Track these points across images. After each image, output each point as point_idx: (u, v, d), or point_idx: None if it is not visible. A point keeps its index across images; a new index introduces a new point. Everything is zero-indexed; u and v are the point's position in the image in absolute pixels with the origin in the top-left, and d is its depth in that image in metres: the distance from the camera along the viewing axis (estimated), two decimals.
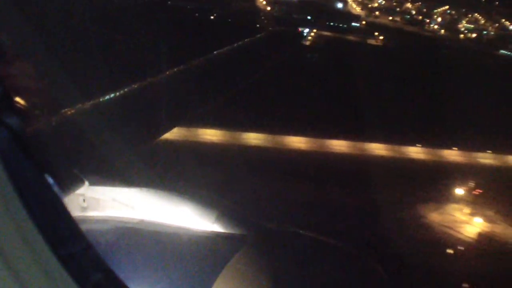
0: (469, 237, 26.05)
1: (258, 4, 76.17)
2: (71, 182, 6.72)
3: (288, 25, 64.88)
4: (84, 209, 7.05)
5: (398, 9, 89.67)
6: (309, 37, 63.32)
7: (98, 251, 2.85)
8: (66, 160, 7.32)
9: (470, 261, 23.86)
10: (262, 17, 69.34)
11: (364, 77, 46.49)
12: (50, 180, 3.16)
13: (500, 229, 27.00)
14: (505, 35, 79.44)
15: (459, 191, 30.24)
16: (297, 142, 35.31)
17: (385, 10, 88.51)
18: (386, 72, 53.74)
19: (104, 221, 6.94)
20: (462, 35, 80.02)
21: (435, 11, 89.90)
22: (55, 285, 2.42)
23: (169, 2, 66.61)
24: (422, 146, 38.39)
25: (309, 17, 71.95)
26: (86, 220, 6.85)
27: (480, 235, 26.39)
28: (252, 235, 6.63)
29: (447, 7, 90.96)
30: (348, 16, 77.91)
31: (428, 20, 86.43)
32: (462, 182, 31.33)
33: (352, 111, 40.30)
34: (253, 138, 33.61)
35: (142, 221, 6.87)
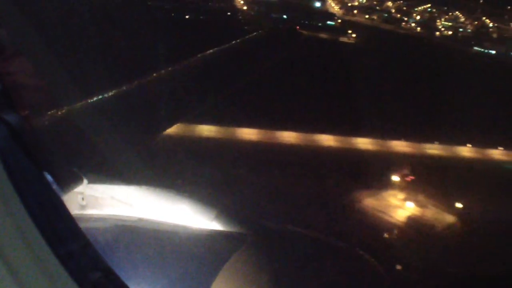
0: (399, 220, 27.56)
1: (236, 3, 77.30)
2: (70, 180, 6.70)
3: (267, 24, 65.75)
4: (83, 207, 7.03)
5: (378, 7, 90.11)
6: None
7: (97, 249, 2.85)
8: (65, 158, 7.31)
9: (400, 243, 24.30)
10: (240, 17, 70.34)
11: (330, 71, 47.87)
12: (49, 178, 3.16)
13: (430, 213, 28.60)
14: (483, 33, 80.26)
15: (396, 178, 32.22)
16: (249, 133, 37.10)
17: (364, 8, 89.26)
18: (353, 67, 54.69)
19: (103, 219, 6.92)
20: (438, 33, 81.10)
21: (416, 9, 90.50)
22: (53, 284, 2.42)
23: (149, 3, 67.18)
24: (372, 138, 40.61)
25: (284, 16, 73.16)
26: (85, 218, 6.83)
27: (410, 218, 27.90)
28: (252, 233, 6.62)
29: (429, 5, 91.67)
30: (324, 15, 79.20)
31: (406, 18, 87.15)
32: (400, 170, 33.24)
33: (307, 103, 41.68)
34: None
35: (141, 219, 6.86)
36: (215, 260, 6.06)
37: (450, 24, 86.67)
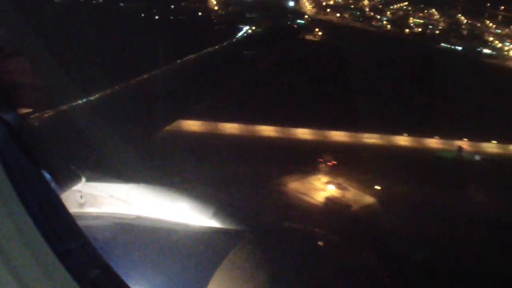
0: (318, 201, 29.50)
1: (209, 4, 78.36)
2: (68, 179, 6.73)
3: (235, 23, 67.40)
4: (81, 205, 7.06)
5: (353, 6, 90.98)
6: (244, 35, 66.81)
7: (95, 247, 2.87)
8: (63, 156, 7.34)
9: (321, 221, 25.99)
10: (213, 17, 71.55)
11: (290, 67, 49.56)
12: (48, 176, 3.18)
13: (349, 194, 30.63)
14: (454, 30, 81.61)
15: (323, 164, 34.47)
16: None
17: (338, 7, 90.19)
18: (313, 63, 57.06)
19: (101, 217, 6.96)
20: (407, 30, 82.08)
21: (392, 7, 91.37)
22: (53, 281, 2.44)
23: (121, 4, 67.45)
24: (311, 128, 42.26)
25: (256, 16, 75.00)
26: (83, 216, 6.87)
27: (328, 199, 29.85)
28: (249, 230, 6.66)
29: (406, 3, 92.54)
30: (295, 14, 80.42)
31: (379, 16, 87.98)
32: (326, 156, 35.30)
33: (258, 97, 43.28)
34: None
35: (139, 217, 6.90)
36: (213, 257, 6.10)
37: (421, 21, 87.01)
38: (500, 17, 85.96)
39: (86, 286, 2.55)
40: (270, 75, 43.77)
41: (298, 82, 48.31)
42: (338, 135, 41.69)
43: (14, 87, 3.83)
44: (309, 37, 72.64)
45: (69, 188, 6.80)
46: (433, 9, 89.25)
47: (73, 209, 6.97)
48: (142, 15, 64.70)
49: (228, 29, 60.55)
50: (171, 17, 67.13)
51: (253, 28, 65.53)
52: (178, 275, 5.98)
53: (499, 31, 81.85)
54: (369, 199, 30.53)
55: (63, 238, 2.67)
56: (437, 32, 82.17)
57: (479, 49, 73.27)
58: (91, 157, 7.68)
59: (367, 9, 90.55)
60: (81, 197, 7.05)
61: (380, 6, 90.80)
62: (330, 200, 29.77)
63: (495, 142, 43.37)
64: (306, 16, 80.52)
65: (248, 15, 73.70)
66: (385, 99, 45.32)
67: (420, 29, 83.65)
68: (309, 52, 61.06)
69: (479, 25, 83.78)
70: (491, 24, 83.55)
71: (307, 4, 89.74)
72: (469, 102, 48.65)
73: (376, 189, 31.37)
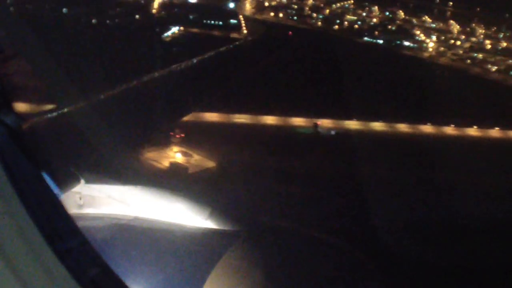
0: (164, 165, 32.38)
1: (151, 8, 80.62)
2: (67, 180, 6.79)
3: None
4: (80, 206, 7.12)
5: (296, 6, 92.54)
6: (169, 34, 67.97)
7: (94, 247, 2.92)
8: (63, 158, 7.39)
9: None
10: (150, 19, 74.10)
11: (208, 63, 49.91)
12: (48, 178, 3.23)
13: (193, 160, 34.25)
14: (383, 25, 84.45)
15: (174, 137, 36.80)
16: None
17: (279, 7, 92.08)
18: (227, 57, 57.82)
19: (100, 218, 7.02)
20: (336, 26, 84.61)
21: (334, 5, 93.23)
22: (53, 280, 2.49)
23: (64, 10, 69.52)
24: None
25: (191, 17, 77.02)
26: (82, 217, 6.92)
27: (172, 163, 33.21)
28: (245, 230, 6.72)
29: (351, 1, 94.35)
30: (229, 14, 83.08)
31: (315, 15, 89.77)
32: (179, 131, 37.25)
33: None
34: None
35: (137, 218, 6.96)
36: (210, 257, 6.16)
37: (355, 18, 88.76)
38: (449, 13, 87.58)
39: (85, 284, 2.59)
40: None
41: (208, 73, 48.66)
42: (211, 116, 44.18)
43: (15, 90, 3.87)
44: (234, 35, 73.82)
45: (68, 189, 6.86)
46: (376, 7, 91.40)
47: (72, 210, 7.02)
48: (81, 19, 67.39)
49: (154, 30, 64.02)
50: (107, 21, 69.53)
51: (181, 28, 68.85)
52: (175, 274, 6.04)
53: (434, 25, 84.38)
54: (210, 163, 33.81)
55: (63, 238, 2.71)
56: (365, 27, 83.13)
57: (398, 42, 76.67)
58: (90, 159, 7.74)
59: (306, 8, 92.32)
60: (80, 198, 7.11)
61: (321, 5, 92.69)
62: (175, 165, 33.34)
63: (356, 120, 46.59)
64: (241, 16, 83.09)
65: (190, 16, 74.93)
66: (269, 85, 48.12)
67: (347, 25, 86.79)
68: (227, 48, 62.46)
69: (414, 20, 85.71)
70: (429, 19, 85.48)
71: (247, 5, 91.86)
72: (354, 84, 49.86)
73: (219, 157, 34.57)
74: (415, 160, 36.89)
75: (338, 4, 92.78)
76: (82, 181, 7.01)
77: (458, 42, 76.31)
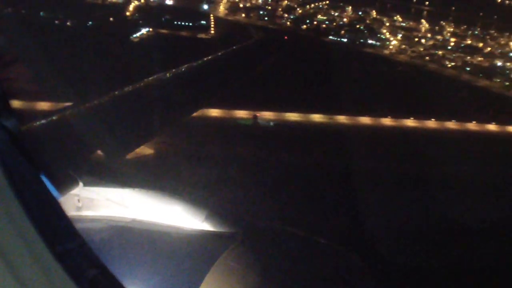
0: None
1: (124, 10, 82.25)
2: (66, 183, 6.83)
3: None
4: (79, 208, 7.16)
5: (269, 7, 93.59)
6: (138, 35, 71.28)
7: (92, 249, 2.96)
8: (61, 161, 7.43)
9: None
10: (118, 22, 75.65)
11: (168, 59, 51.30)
12: (47, 181, 3.28)
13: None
14: (352, 24, 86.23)
15: None
16: None
17: (252, 9, 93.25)
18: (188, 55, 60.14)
19: (98, 220, 7.06)
20: (305, 26, 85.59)
21: (308, 6, 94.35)
22: (51, 281, 2.53)
23: (41, 14, 70.55)
24: None
25: (163, 19, 78.99)
26: (80, 219, 6.97)
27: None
28: (242, 232, 6.76)
29: (327, 1, 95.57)
30: (200, 16, 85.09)
31: (286, 15, 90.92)
32: None
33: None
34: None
35: (134, 220, 7.00)
36: (206, 259, 6.21)
37: (325, 18, 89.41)
38: (425, 12, 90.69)
39: (83, 285, 2.63)
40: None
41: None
42: None
43: (14, 94, 3.91)
44: (201, 35, 77.21)
45: (67, 192, 6.89)
46: (350, 7, 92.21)
47: (71, 212, 7.06)
48: (56, 22, 68.74)
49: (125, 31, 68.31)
50: (82, 23, 71.02)
51: (150, 29, 72.16)
52: (171, 276, 6.08)
53: (404, 24, 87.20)
54: (148, 151, 35.06)
55: (61, 240, 2.75)
56: (332, 26, 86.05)
57: (362, 40, 79.85)
58: (88, 162, 7.79)
59: (280, 9, 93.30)
60: (79, 200, 7.15)
61: (295, 6, 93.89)
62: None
63: (296, 112, 50.06)
64: (212, 18, 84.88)
65: (163, 18, 78.46)
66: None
67: (316, 24, 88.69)
68: (189, 46, 66.25)
69: (385, 19, 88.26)
70: (400, 19, 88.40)
71: (221, 6, 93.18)
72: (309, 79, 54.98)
73: (156, 143, 35.96)
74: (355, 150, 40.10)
75: (313, 5, 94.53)
76: (81, 183, 7.05)
77: (423, 40, 79.70)
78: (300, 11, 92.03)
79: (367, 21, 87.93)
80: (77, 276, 2.61)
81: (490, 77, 67.74)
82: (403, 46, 77.94)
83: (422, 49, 77.00)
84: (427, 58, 74.42)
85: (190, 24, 79.86)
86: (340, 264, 6.87)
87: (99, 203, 7.17)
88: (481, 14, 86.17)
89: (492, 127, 52.42)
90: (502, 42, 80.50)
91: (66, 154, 8.01)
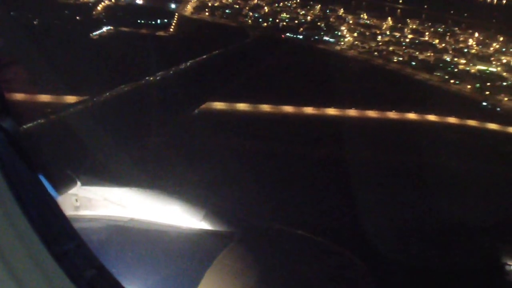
0: None
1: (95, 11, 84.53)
2: (64, 183, 6.84)
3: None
4: (76, 208, 7.17)
5: (238, 6, 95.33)
6: (97, 33, 72.60)
7: (90, 248, 2.97)
8: (59, 161, 7.44)
9: None
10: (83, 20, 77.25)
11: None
12: (44, 181, 3.28)
13: None
14: (314, 22, 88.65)
15: None
16: None
17: (220, 8, 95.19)
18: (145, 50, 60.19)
19: (96, 219, 7.07)
20: (265, 24, 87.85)
21: (276, 5, 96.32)
22: (49, 281, 2.53)
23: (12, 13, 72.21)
24: None
25: (128, 18, 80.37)
26: (79, 219, 6.97)
27: None
28: (239, 232, 6.78)
29: (296, 1, 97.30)
30: (167, 14, 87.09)
31: (251, 13, 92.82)
32: None
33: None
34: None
35: (132, 220, 7.01)
36: (204, 258, 6.22)
37: (288, 16, 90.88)
38: (398, 11, 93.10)
39: (81, 285, 2.63)
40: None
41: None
42: None
43: (12, 95, 3.91)
44: (160, 33, 78.90)
45: (65, 191, 6.91)
46: (319, 6, 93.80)
47: (69, 212, 7.07)
48: (23, 21, 70.93)
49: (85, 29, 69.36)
50: (48, 22, 72.77)
51: (111, 27, 73.20)
52: (170, 275, 6.10)
53: (368, 21, 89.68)
54: None
55: (60, 240, 2.75)
56: (292, 24, 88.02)
57: (317, 37, 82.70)
58: (86, 162, 7.78)
59: (246, 8, 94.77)
60: (77, 200, 7.16)
61: (263, 5, 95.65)
62: None
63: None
64: (176, 16, 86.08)
65: (128, 17, 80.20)
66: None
67: (277, 22, 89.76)
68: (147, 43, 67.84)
69: (350, 17, 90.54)
70: (365, 16, 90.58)
71: (189, 6, 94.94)
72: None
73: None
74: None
75: (281, 4, 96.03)
76: (79, 183, 7.06)
77: (379, 37, 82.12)
78: (266, 10, 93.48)
79: (331, 19, 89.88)
80: (75, 276, 2.61)
81: (431, 71, 70.48)
82: (356, 43, 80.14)
83: (373, 45, 79.18)
84: (375, 53, 76.73)
85: (152, 22, 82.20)
86: (338, 263, 6.88)
87: (97, 203, 7.18)
88: (451, 12, 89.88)
89: (412, 115, 53.24)
90: (461, 39, 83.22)
91: (64, 153, 8.00)
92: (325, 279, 6.58)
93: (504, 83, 68.11)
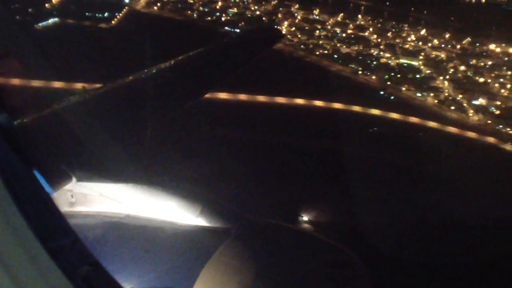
0: None
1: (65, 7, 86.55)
2: (59, 178, 6.80)
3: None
4: (72, 204, 7.13)
5: (191, 1, 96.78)
6: (41, 25, 74.60)
7: (85, 245, 2.94)
8: (54, 157, 7.39)
9: None
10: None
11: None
12: (39, 176, 3.25)
13: None
14: (258, 17, 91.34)
15: None
16: None
17: (170, 2, 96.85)
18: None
19: (91, 216, 7.04)
20: (209, 18, 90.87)
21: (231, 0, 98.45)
22: (44, 277, 2.50)
23: None
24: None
25: (77, 10, 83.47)
26: (74, 215, 6.94)
27: None
28: (236, 228, 6.75)
29: None
30: (114, 7, 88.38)
31: (201, 8, 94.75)
32: None
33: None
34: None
35: (128, 216, 6.98)
36: (201, 254, 6.20)
37: (236, 11, 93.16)
38: (362, 8, 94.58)
39: (77, 282, 2.60)
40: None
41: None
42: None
43: (5, 88, 3.87)
44: (102, 25, 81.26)
45: (60, 187, 6.86)
46: (274, 2, 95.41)
47: (64, 208, 7.03)
48: None
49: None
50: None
51: (57, 19, 75.84)
52: (166, 271, 6.08)
53: (318, 17, 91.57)
54: None
55: (54, 236, 2.72)
56: (235, 19, 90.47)
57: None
58: (81, 157, 7.73)
59: (199, 2, 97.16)
60: (72, 196, 7.12)
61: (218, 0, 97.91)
62: None
63: None
64: (125, 10, 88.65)
65: (87, 13, 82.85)
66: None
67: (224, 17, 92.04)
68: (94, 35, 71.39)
69: (301, 13, 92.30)
70: (316, 13, 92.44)
71: (141, 1, 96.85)
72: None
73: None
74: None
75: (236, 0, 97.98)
76: (74, 179, 7.01)
77: (317, 32, 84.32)
78: (220, 5, 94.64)
79: (279, 15, 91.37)
80: (70, 273, 2.58)
81: (347, 63, 73.29)
82: (288, 36, 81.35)
83: (304, 38, 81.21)
84: (302, 46, 78.70)
85: (99, 15, 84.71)
86: (336, 260, 6.86)
87: (93, 199, 7.14)
88: (412, 9, 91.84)
89: (319, 102, 56.26)
90: (404, 35, 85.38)
91: (59, 149, 7.95)
92: (323, 276, 6.57)
93: (418, 75, 71.00)
